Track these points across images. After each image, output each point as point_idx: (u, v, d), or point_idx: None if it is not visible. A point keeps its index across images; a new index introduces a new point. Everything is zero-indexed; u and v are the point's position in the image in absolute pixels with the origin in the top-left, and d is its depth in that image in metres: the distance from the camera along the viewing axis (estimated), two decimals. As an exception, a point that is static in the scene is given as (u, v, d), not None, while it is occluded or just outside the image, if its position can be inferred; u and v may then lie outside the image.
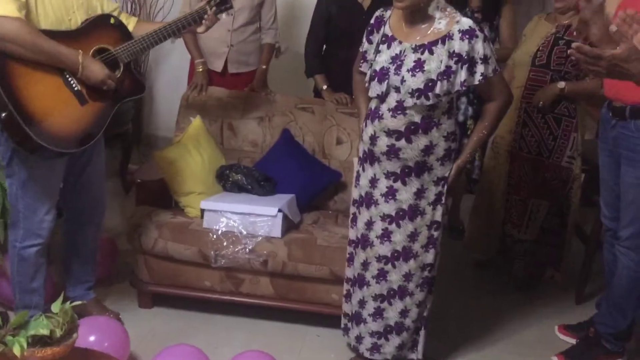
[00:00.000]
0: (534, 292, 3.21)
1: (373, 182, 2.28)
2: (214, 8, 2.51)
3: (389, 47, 2.18)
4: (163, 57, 4.49)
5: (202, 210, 2.70)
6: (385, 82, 2.15)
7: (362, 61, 2.33)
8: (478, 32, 2.08)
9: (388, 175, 2.24)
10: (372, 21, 2.28)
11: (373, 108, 2.24)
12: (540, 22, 3.07)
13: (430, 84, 2.08)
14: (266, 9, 3.30)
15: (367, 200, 2.31)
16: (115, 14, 2.42)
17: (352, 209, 2.42)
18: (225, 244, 2.62)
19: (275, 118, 3.15)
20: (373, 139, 2.23)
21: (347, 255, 2.48)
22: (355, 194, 2.39)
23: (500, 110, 2.23)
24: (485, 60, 2.10)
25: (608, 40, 1.82)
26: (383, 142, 2.20)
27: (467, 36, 2.06)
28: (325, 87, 3.23)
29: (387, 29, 2.21)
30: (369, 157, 2.28)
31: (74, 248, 2.58)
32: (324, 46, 3.33)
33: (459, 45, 2.06)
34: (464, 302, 3.09)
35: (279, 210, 2.66)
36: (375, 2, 3.15)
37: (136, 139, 4.40)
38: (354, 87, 2.48)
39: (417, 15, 2.13)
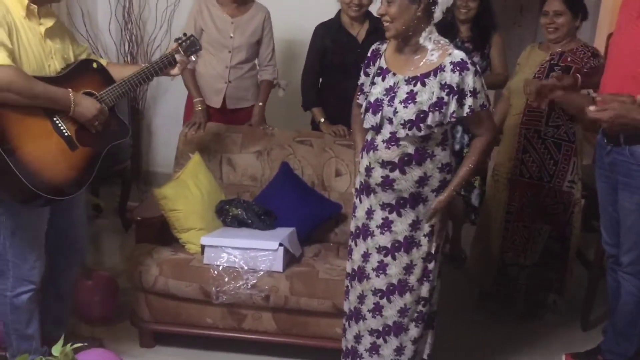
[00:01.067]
0: (539, 321, 3.18)
1: (369, 213, 2.28)
2: (184, 50, 2.57)
3: (383, 79, 2.20)
4: (161, 93, 4.53)
5: (203, 246, 2.69)
6: (379, 114, 2.17)
7: (359, 93, 2.35)
8: (469, 65, 2.09)
9: (383, 206, 2.24)
10: (368, 54, 2.32)
11: (369, 140, 2.26)
12: (534, 50, 3.11)
13: (422, 115, 2.10)
14: (264, 46, 3.34)
15: (364, 232, 2.31)
16: (84, 54, 2.42)
17: (349, 241, 2.42)
18: (226, 279, 2.61)
19: (274, 152, 3.17)
20: (368, 170, 2.24)
21: (345, 289, 2.46)
22: (352, 225, 2.39)
23: (485, 146, 2.25)
24: (474, 93, 2.11)
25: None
26: (378, 174, 2.21)
27: (458, 68, 2.08)
28: (322, 119, 3.26)
29: (382, 62, 2.24)
30: (365, 189, 2.29)
31: (53, 288, 2.52)
32: (320, 79, 3.36)
33: (450, 77, 2.08)
34: (467, 333, 3.06)
35: (280, 244, 2.65)
36: (370, 35, 3.19)
37: (135, 175, 4.41)
38: (352, 120, 2.50)
39: (409, 46, 2.16)
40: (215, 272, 2.62)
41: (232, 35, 3.25)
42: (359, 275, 2.34)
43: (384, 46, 2.27)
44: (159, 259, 2.68)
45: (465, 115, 2.13)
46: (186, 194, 2.84)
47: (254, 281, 2.61)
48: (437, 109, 2.09)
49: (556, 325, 3.16)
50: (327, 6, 3.45)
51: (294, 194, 3.00)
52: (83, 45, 2.50)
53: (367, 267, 2.31)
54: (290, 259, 2.73)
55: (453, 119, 2.12)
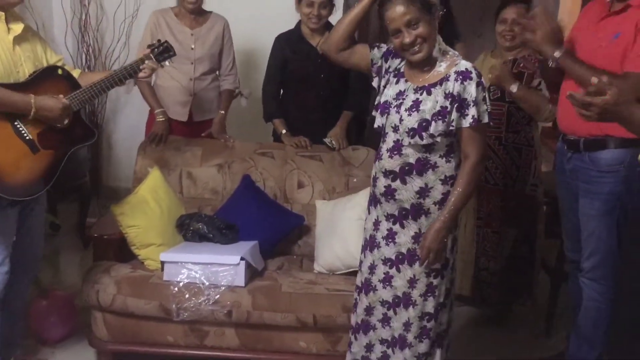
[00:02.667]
0: (506, 327, 3.19)
1: (376, 224, 2.27)
2: (156, 56, 2.56)
3: (397, 82, 2.19)
4: (121, 107, 4.45)
5: (162, 263, 2.62)
6: (385, 117, 2.16)
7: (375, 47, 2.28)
8: (473, 75, 2.06)
9: (388, 217, 2.22)
10: (390, 48, 2.24)
11: (377, 150, 2.25)
12: (487, 58, 3.16)
13: (424, 124, 2.08)
14: (225, 55, 3.32)
15: (371, 244, 2.29)
16: (59, 64, 2.44)
17: (360, 254, 2.40)
18: (187, 296, 2.55)
19: (235, 164, 3.12)
20: (374, 180, 2.24)
21: (353, 301, 2.43)
22: (362, 238, 2.38)
23: (476, 167, 2.11)
24: (476, 104, 2.05)
25: (553, 40, 2.25)
26: (381, 183, 2.20)
27: (461, 77, 2.06)
28: (284, 131, 3.23)
29: (402, 65, 2.22)
30: (373, 199, 2.28)
31: (2, 304, 2.45)
32: (281, 90, 3.34)
33: (453, 86, 2.06)
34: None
35: (242, 259, 2.60)
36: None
37: (95, 191, 4.31)
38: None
39: (425, 58, 2.14)
40: (176, 288, 2.56)
41: (193, 47, 3.21)
42: (366, 287, 2.31)
43: None
44: (116, 277, 2.61)
45: (468, 125, 2.06)
46: (145, 210, 2.78)
47: (216, 297, 2.55)
48: (440, 117, 2.06)
49: (522, 331, 3.18)
50: (287, 17, 3.44)
51: (256, 206, 2.96)
52: (59, 55, 2.52)
53: (374, 279, 2.28)
54: (252, 273, 2.68)
55: (452, 128, 2.08)
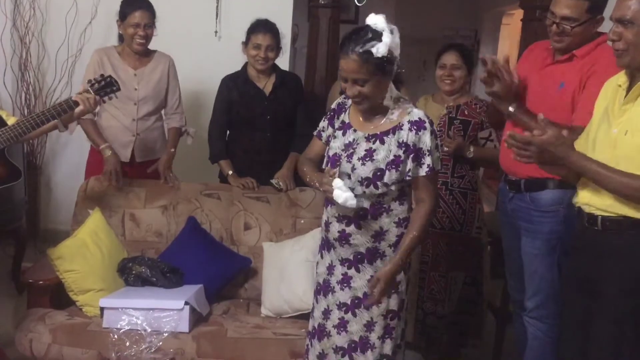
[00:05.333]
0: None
1: (330, 269, 2.25)
2: (97, 91, 2.53)
3: (344, 134, 2.20)
4: (60, 148, 4.32)
5: (102, 309, 2.53)
6: (337, 169, 2.15)
7: (318, 138, 2.31)
8: (427, 125, 2.08)
9: (342, 262, 2.21)
10: (334, 106, 2.29)
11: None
12: (429, 103, 3.22)
13: (378, 173, 2.09)
14: (170, 93, 3.28)
15: (325, 288, 2.26)
16: None
17: (312, 299, 2.37)
18: (127, 344, 2.45)
19: (180, 206, 3.06)
20: (327, 224, 2.23)
21: (305, 347, 2.37)
22: (314, 282, 2.35)
23: (429, 213, 2.15)
24: (431, 153, 2.09)
25: (510, 94, 2.33)
26: (335, 228, 2.19)
27: (415, 127, 2.07)
28: (230, 172, 3.20)
29: (346, 116, 2.23)
30: (326, 244, 2.27)
31: None
32: (227, 132, 3.32)
33: (407, 135, 2.07)
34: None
35: (186, 303, 2.53)
36: (277, 88, 3.20)
37: (32, 234, 4.14)
38: (301, 172, 2.36)
39: (373, 107, 2.15)
40: (116, 336, 2.46)
41: (136, 87, 3.17)
42: (319, 333, 2.27)
43: (349, 101, 2.23)
44: (52, 325, 2.49)
45: (424, 174, 2.09)
46: (84, 253, 2.69)
47: (158, 344, 2.46)
48: (393, 166, 2.08)
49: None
50: (233, 58, 3.45)
51: (201, 249, 2.89)
52: None
53: (328, 325, 2.24)
54: (197, 318, 2.61)
55: (408, 178, 2.10)
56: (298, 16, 4.25)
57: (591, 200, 1.96)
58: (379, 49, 2.00)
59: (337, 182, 2.04)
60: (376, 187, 2.10)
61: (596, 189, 1.93)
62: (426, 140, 2.08)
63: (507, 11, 6.69)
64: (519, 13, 5.71)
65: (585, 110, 2.13)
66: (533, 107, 2.36)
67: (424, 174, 2.10)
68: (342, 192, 2.02)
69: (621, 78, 1.98)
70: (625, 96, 1.93)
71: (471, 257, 3.12)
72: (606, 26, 2.11)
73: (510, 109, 2.37)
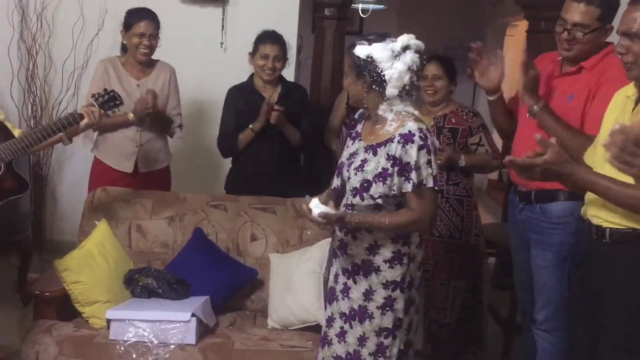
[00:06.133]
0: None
1: (336, 277, 2.27)
2: (101, 105, 2.56)
3: (352, 143, 2.23)
4: (66, 159, 4.32)
5: (108, 321, 2.52)
6: (340, 177, 2.19)
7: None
8: (415, 138, 2.02)
9: (343, 271, 2.22)
10: (356, 116, 2.33)
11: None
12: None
13: (365, 185, 2.08)
14: (170, 99, 3.25)
15: (331, 296, 2.28)
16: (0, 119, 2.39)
17: (321, 310, 2.40)
18: (134, 356, 2.44)
19: (187, 217, 3.05)
20: (334, 233, 2.25)
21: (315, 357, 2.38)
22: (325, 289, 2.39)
23: (411, 222, 2.07)
24: (418, 167, 2.03)
25: (533, 89, 2.32)
26: (337, 237, 2.21)
27: (403, 140, 2.03)
28: (250, 126, 3.17)
29: (360, 126, 2.25)
30: (334, 253, 2.29)
31: None
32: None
33: (395, 148, 2.04)
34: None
35: (193, 315, 2.52)
36: (283, 98, 3.20)
37: (37, 245, 4.14)
38: None
39: (372, 116, 2.16)
40: (122, 348, 2.45)
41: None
42: (323, 341, 2.28)
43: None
44: (58, 337, 2.48)
45: (410, 190, 2.03)
46: (91, 265, 2.68)
47: (165, 356, 2.45)
48: (380, 179, 2.06)
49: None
50: (239, 69, 3.46)
51: (207, 260, 2.88)
52: (1, 111, 2.47)
53: (330, 333, 2.24)
54: (203, 330, 2.59)
55: (393, 192, 2.06)
56: (302, 28, 4.27)
57: (599, 213, 1.95)
58: (358, 49, 2.06)
59: (314, 201, 2.05)
60: (362, 199, 2.09)
61: (604, 201, 1.92)
62: (412, 154, 2.01)
63: (511, 22, 6.72)
64: (523, 24, 5.73)
65: (596, 120, 2.13)
66: (529, 126, 2.37)
67: (409, 189, 2.03)
68: (316, 209, 2.03)
69: (630, 90, 1.97)
70: (634, 108, 1.93)
71: (471, 265, 3.13)
72: (614, 36, 2.11)
73: (535, 107, 2.35)
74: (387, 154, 2.06)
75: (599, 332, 1.98)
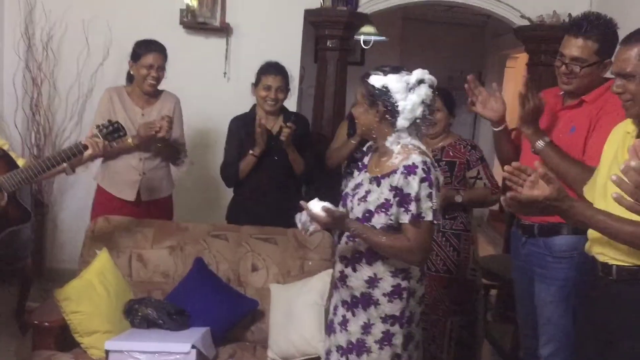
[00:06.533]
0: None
1: (335, 309, 2.26)
2: (106, 136, 2.59)
3: (358, 174, 2.25)
4: (68, 187, 4.33)
5: (107, 352, 2.49)
6: (345, 208, 2.19)
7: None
8: (419, 171, 2.02)
9: (343, 303, 2.21)
10: (364, 149, 2.34)
11: (337, 235, 2.23)
12: None
13: (367, 215, 2.09)
14: (175, 128, 3.23)
15: (329, 328, 2.28)
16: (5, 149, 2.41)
17: (322, 342, 2.38)
18: (132, 388, 2.41)
19: (188, 247, 3.04)
20: (335, 264, 2.25)
21: None
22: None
23: (406, 250, 2.04)
24: (418, 199, 2.02)
25: (534, 119, 2.34)
26: (337, 268, 2.22)
27: (406, 171, 2.03)
28: (251, 151, 3.17)
29: (367, 159, 2.27)
30: (335, 284, 2.29)
31: None
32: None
33: (398, 179, 2.04)
34: None
35: (193, 347, 2.49)
36: (288, 119, 3.21)
37: (37, 273, 4.12)
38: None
39: (379, 147, 2.17)
40: (121, 379, 2.42)
41: (143, 127, 3.19)
42: None
43: None
44: (57, 368, 2.45)
45: (407, 221, 2.02)
46: (91, 294, 2.66)
47: (164, 388, 2.42)
48: (382, 210, 2.06)
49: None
50: (242, 99, 3.49)
51: (208, 291, 2.86)
52: (4, 140, 2.50)
53: None
54: (203, 362, 2.56)
55: (390, 222, 2.06)
56: (305, 57, 4.32)
57: (605, 250, 1.92)
58: (373, 79, 2.07)
59: (314, 201, 2.04)
60: None
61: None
62: (414, 185, 2.01)
63: (511, 55, 6.79)
64: (522, 57, 5.79)
65: (595, 151, 2.14)
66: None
67: (407, 221, 2.02)
68: (318, 205, 2.02)
69: (629, 126, 1.98)
70: None
71: (466, 300, 3.10)
72: None
73: (540, 143, 2.35)
74: (390, 185, 2.06)
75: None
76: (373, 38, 5.69)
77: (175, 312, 2.74)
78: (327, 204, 2.03)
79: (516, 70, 6.83)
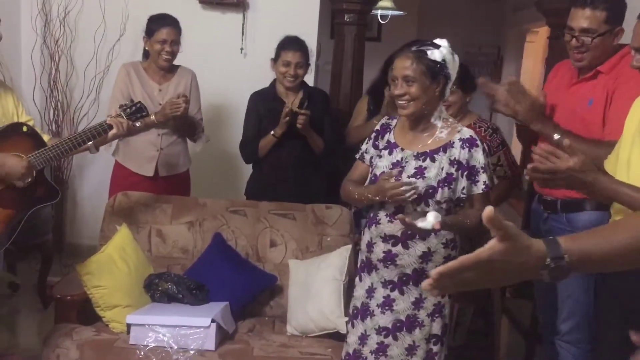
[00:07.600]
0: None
1: (370, 292, 2.21)
2: (129, 116, 2.59)
3: (390, 153, 2.20)
4: (87, 163, 4.36)
5: (128, 325, 2.52)
6: (398, 169, 2.14)
7: (361, 160, 2.30)
8: (479, 142, 2.11)
9: (385, 284, 2.18)
10: (378, 127, 2.30)
11: (371, 215, 2.21)
12: None
13: (430, 191, 2.08)
14: (191, 103, 3.23)
15: (362, 312, 2.23)
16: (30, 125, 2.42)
17: (343, 323, 2.36)
18: (154, 360, 2.43)
19: (206, 222, 3.06)
20: (370, 245, 2.20)
21: None
22: (350, 306, 2.32)
23: (474, 221, 2.07)
24: (485, 170, 2.10)
25: (537, 114, 2.26)
26: (380, 249, 2.17)
27: (467, 144, 2.09)
28: (272, 132, 3.14)
29: (391, 136, 2.24)
30: (367, 266, 2.23)
31: None
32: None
33: (459, 153, 2.08)
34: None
35: (212, 321, 2.51)
36: (302, 104, 3.19)
37: (58, 248, 4.17)
38: (346, 193, 2.30)
39: (421, 123, 2.16)
40: (142, 353, 2.45)
41: (161, 102, 3.19)
42: (354, 359, 2.23)
43: (394, 121, 2.27)
44: (79, 340, 2.48)
45: (481, 191, 2.10)
46: (112, 269, 2.68)
47: (185, 361, 2.44)
48: (446, 184, 2.08)
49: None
50: (259, 75, 3.46)
51: (227, 266, 2.88)
52: (29, 116, 2.52)
53: (365, 350, 2.21)
54: (223, 336, 2.58)
55: (463, 195, 2.10)
56: (320, 34, 4.27)
57: None
58: (434, 53, 2.06)
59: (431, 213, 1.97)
60: (427, 205, 2.08)
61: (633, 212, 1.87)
62: (479, 157, 2.09)
63: (531, 29, 6.66)
64: (543, 31, 5.68)
65: (615, 124, 2.10)
66: (564, 126, 2.33)
67: (480, 191, 2.11)
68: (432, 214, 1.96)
69: None
70: None
71: (480, 289, 3.05)
72: (627, 37, 2.08)
73: (556, 136, 2.29)
74: (450, 159, 2.08)
75: (627, 347, 1.93)
76: (390, 12, 5.60)
77: (195, 287, 2.76)
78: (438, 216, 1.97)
79: (536, 45, 6.71)
